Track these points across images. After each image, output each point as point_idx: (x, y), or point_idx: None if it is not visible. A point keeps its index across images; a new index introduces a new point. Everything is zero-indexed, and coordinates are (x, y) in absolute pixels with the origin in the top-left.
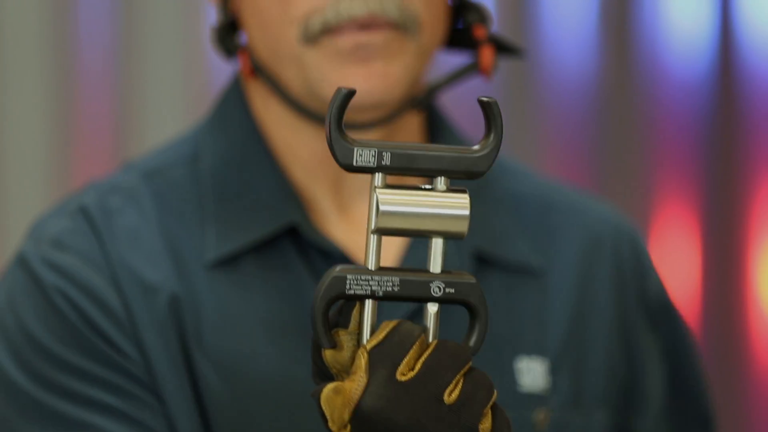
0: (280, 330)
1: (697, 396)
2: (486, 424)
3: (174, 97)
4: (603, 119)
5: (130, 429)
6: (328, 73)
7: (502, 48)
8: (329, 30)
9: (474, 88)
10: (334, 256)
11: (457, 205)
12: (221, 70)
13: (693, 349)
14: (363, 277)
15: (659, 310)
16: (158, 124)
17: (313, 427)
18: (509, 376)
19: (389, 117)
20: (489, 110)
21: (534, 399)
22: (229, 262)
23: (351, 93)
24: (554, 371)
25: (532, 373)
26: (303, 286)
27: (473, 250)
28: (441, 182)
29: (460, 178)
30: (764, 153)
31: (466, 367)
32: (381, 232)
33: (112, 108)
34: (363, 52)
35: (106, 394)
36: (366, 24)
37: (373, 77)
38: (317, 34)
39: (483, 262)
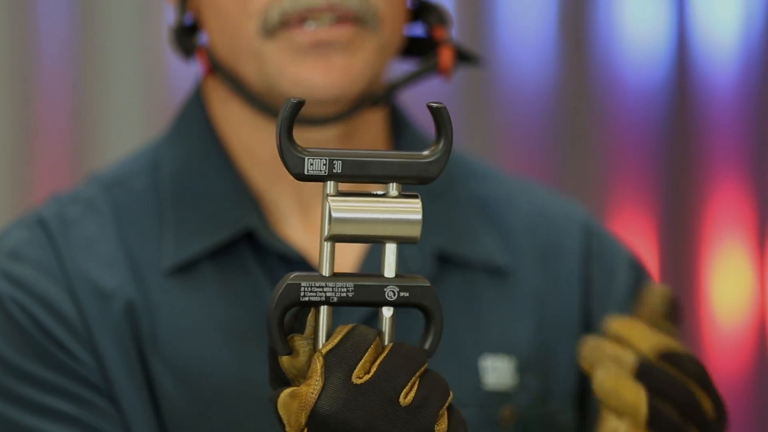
0: (237, 335)
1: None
2: (442, 425)
3: (134, 105)
4: (559, 126)
5: None
6: (286, 66)
7: (461, 57)
8: (287, 22)
9: (432, 93)
10: (292, 260)
11: (410, 210)
12: (182, 75)
13: None
14: (317, 284)
15: (627, 308)
16: (118, 131)
17: None
18: (473, 374)
19: (348, 112)
20: (438, 115)
21: (499, 397)
22: (186, 268)
23: (300, 103)
24: (522, 369)
25: (497, 372)
26: (260, 291)
27: (435, 250)
28: (393, 188)
29: (411, 184)
30: (719, 160)
31: (422, 369)
32: (334, 239)
33: (72, 115)
34: (323, 47)
35: (61, 402)
36: (325, 10)
37: (334, 71)
38: (276, 26)
39: (446, 261)
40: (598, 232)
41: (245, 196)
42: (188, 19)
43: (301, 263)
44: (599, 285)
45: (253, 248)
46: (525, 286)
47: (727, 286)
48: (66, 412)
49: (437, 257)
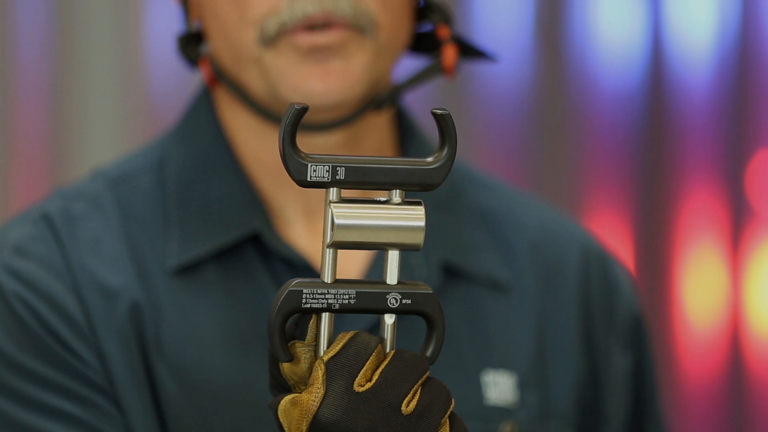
0: (240, 339)
1: (657, 418)
2: None
3: (112, 109)
4: (535, 129)
5: None
6: (286, 74)
7: (469, 51)
8: (285, 31)
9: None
10: (297, 264)
11: (413, 217)
12: (160, 79)
13: (655, 371)
14: (319, 291)
15: (629, 332)
16: (96, 136)
17: None
18: (475, 389)
19: (350, 117)
20: (443, 122)
21: (500, 412)
22: (190, 269)
23: (304, 109)
24: (522, 386)
25: (499, 387)
26: (265, 295)
27: (441, 261)
28: (396, 195)
29: (414, 191)
30: (693, 162)
31: (424, 377)
32: (337, 246)
33: (49, 119)
34: (320, 52)
35: (64, 402)
36: (321, 22)
37: (331, 76)
38: (274, 36)
39: (451, 273)
40: (598, 253)
41: (251, 199)
42: (192, 28)
43: (305, 268)
44: (599, 307)
45: (258, 251)
46: (526, 302)
47: (700, 288)
48: (68, 412)
49: (443, 269)
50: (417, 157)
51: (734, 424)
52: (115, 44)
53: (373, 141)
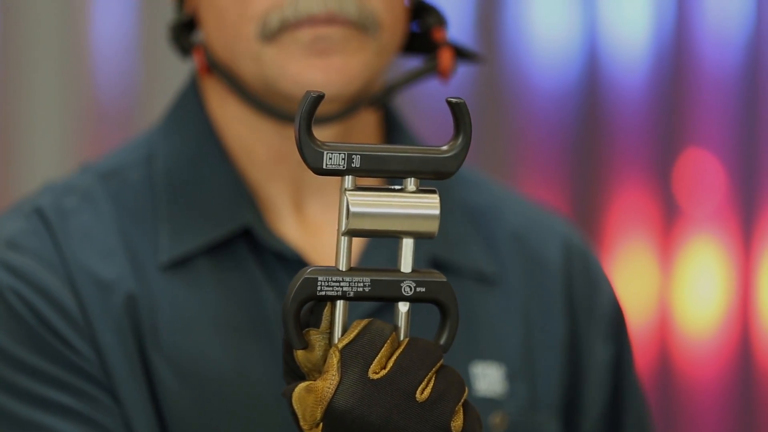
0: (234, 332)
1: (638, 410)
2: (458, 421)
3: (56, 110)
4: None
5: (86, 430)
6: (286, 66)
7: (460, 55)
8: (287, 26)
9: None
10: (289, 258)
11: (427, 205)
12: (105, 78)
13: (633, 364)
14: (334, 279)
15: (610, 324)
16: (40, 140)
17: (269, 427)
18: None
19: (345, 112)
20: (458, 111)
21: (490, 403)
22: (182, 263)
23: (320, 97)
24: (511, 377)
25: (488, 378)
26: (257, 288)
27: (429, 256)
28: (411, 183)
29: (429, 179)
30: (625, 161)
31: (438, 364)
32: (352, 233)
33: None
34: (322, 44)
35: (61, 395)
36: (325, 21)
37: (331, 70)
38: (275, 32)
39: (438, 267)
40: (579, 248)
41: (242, 193)
42: (185, 17)
43: (297, 261)
44: (582, 300)
45: (249, 245)
46: (512, 295)
47: (631, 285)
48: (65, 405)
49: (432, 263)
50: None
51: (665, 420)
52: (59, 43)
53: (362, 137)
